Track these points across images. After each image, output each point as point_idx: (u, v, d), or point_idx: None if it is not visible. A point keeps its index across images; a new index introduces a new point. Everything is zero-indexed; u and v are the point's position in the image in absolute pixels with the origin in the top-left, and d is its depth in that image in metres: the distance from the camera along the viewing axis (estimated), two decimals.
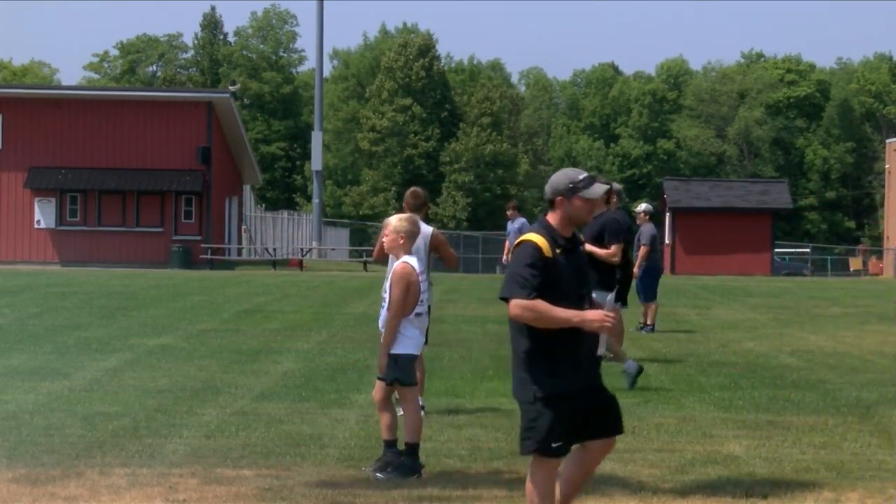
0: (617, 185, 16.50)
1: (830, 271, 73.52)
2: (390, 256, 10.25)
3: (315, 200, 61.70)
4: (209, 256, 52.28)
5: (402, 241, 9.89)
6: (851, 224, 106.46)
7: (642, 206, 23.17)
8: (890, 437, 11.69)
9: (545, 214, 7.26)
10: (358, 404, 13.27)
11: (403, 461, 9.75)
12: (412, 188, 13.16)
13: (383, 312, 9.97)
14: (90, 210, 52.22)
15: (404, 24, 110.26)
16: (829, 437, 11.56)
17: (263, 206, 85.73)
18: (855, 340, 21.24)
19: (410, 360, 9.92)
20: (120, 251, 51.72)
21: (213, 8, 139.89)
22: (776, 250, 67.70)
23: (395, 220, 9.98)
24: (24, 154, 52.05)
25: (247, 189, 64.68)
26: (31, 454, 10.29)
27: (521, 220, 28.36)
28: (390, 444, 9.90)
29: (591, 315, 6.96)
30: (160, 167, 52.29)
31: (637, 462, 10.29)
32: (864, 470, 10.11)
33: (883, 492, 9.37)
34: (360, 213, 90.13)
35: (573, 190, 7.13)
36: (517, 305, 6.94)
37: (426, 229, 12.12)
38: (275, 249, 60.91)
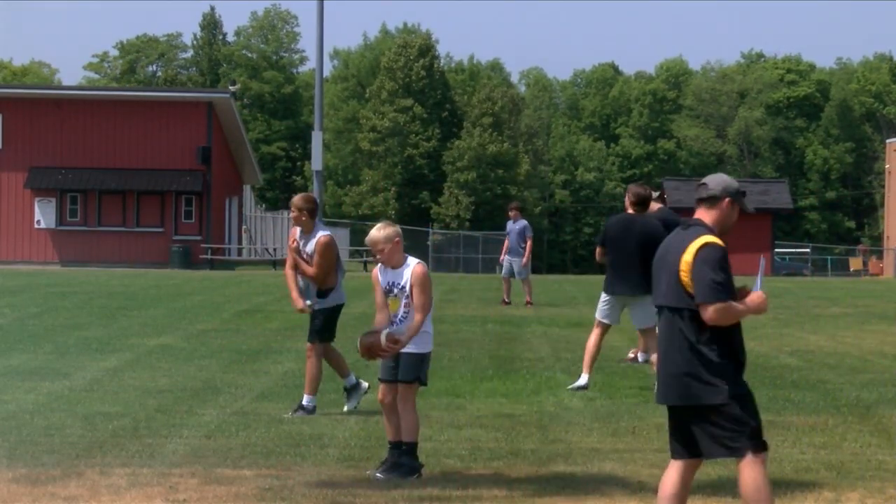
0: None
1: (830, 271, 73.52)
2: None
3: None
4: (209, 256, 52.28)
5: (396, 242, 9.83)
6: (851, 224, 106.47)
7: None
8: (890, 437, 11.69)
9: (696, 214, 7.25)
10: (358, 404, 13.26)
11: (403, 461, 9.75)
12: (304, 193, 13.52)
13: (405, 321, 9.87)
14: (90, 210, 52.23)
15: (405, 24, 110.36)
16: (829, 437, 11.56)
17: (263, 206, 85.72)
18: (855, 340, 21.24)
19: (430, 357, 9.98)
20: (120, 251, 51.72)
21: (212, 8, 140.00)
22: (776, 250, 67.70)
23: (380, 233, 9.79)
24: (24, 154, 52.06)
25: (247, 189, 64.67)
26: (31, 454, 10.29)
27: (524, 223, 28.51)
28: (395, 445, 9.90)
29: (758, 303, 7.12)
30: (160, 167, 52.30)
31: (637, 462, 10.29)
32: (864, 470, 10.11)
33: (883, 492, 9.37)
34: (360, 212, 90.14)
35: (740, 195, 7.22)
36: (717, 310, 6.95)
37: (323, 234, 12.56)
38: (275, 249, 60.90)
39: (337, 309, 12.77)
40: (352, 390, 12.92)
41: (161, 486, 9.21)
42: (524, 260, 28.04)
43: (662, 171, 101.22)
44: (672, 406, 7.25)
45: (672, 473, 7.36)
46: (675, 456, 7.36)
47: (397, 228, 9.89)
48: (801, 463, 10.36)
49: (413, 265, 9.76)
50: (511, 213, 28.85)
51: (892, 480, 9.75)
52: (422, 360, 9.81)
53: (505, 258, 28.44)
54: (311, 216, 12.64)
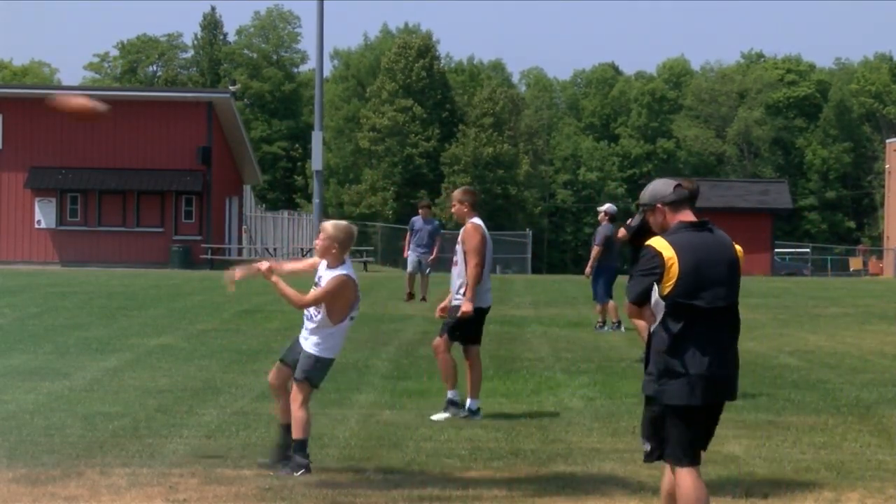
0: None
1: (830, 271, 73.51)
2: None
3: (315, 200, 61.60)
4: (209, 256, 52.26)
5: (334, 251, 9.88)
6: (851, 224, 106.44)
7: (604, 207, 23.09)
8: (890, 437, 11.70)
9: (685, 216, 7.33)
10: (358, 404, 13.27)
11: (294, 456, 9.82)
12: (465, 186, 13.23)
13: (314, 319, 9.89)
14: (90, 210, 52.21)
15: (406, 24, 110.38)
16: (829, 437, 11.57)
17: (264, 206, 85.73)
18: (855, 340, 21.24)
19: (329, 364, 9.95)
20: (120, 251, 51.70)
21: (213, 8, 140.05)
22: (776, 250, 67.70)
23: (329, 225, 9.94)
24: (24, 154, 52.03)
25: (247, 189, 64.66)
26: (31, 454, 10.29)
27: (436, 222, 29.67)
28: (287, 428, 9.95)
29: None
30: (160, 167, 52.28)
31: (637, 462, 10.28)
32: (864, 470, 10.11)
33: (883, 492, 9.38)
34: (359, 211, 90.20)
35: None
36: None
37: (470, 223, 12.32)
38: (275, 249, 60.90)
39: (478, 312, 12.30)
40: (451, 404, 12.46)
41: (161, 486, 9.21)
42: (431, 258, 28.90)
43: (662, 170, 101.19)
44: (714, 405, 7.22)
45: (698, 480, 7.18)
46: (696, 461, 7.19)
47: (343, 238, 9.84)
48: (801, 463, 10.36)
49: (337, 272, 9.80)
50: (421, 211, 29.62)
51: (892, 480, 9.75)
52: (316, 362, 9.86)
53: (411, 254, 29.14)
54: (473, 209, 12.39)
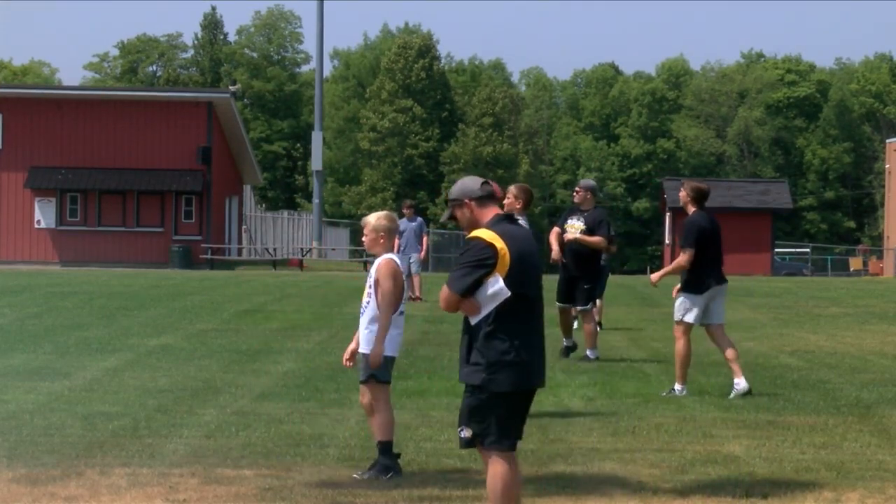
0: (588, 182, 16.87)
1: (830, 271, 73.51)
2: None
3: (315, 200, 61.70)
4: (209, 256, 52.27)
5: (381, 240, 9.88)
6: (851, 224, 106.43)
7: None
8: (890, 437, 11.69)
9: (494, 212, 7.54)
10: (358, 404, 13.24)
11: (378, 460, 9.71)
12: (522, 183, 13.47)
13: (365, 311, 9.86)
14: (90, 210, 52.22)
15: (406, 24, 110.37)
16: (829, 437, 11.56)
17: (264, 206, 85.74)
18: (855, 340, 21.23)
19: (389, 360, 9.86)
20: (120, 251, 51.70)
21: (213, 8, 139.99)
22: (776, 250, 67.71)
23: (371, 218, 9.95)
24: (24, 154, 52.04)
25: (247, 189, 64.65)
26: (31, 454, 10.29)
27: (420, 220, 29.74)
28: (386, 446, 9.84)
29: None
30: (160, 167, 52.29)
31: (637, 462, 10.29)
32: (864, 470, 10.11)
33: (883, 492, 9.37)
34: (359, 212, 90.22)
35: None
36: None
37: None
38: (275, 249, 60.90)
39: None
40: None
41: (161, 486, 9.21)
42: (422, 254, 29.30)
43: (662, 170, 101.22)
44: (531, 391, 7.41)
45: (513, 466, 7.35)
46: (514, 446, 7.38)
47: (387, 224, 9.87)
48: (801, 463, 10.36)
49: (382, 259, 9.80)
50: (406, 212, 29.81)
51: (892, 480, 9.75)
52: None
53: (402, 257, 29.37)
54: (524, 209, 12.91)
